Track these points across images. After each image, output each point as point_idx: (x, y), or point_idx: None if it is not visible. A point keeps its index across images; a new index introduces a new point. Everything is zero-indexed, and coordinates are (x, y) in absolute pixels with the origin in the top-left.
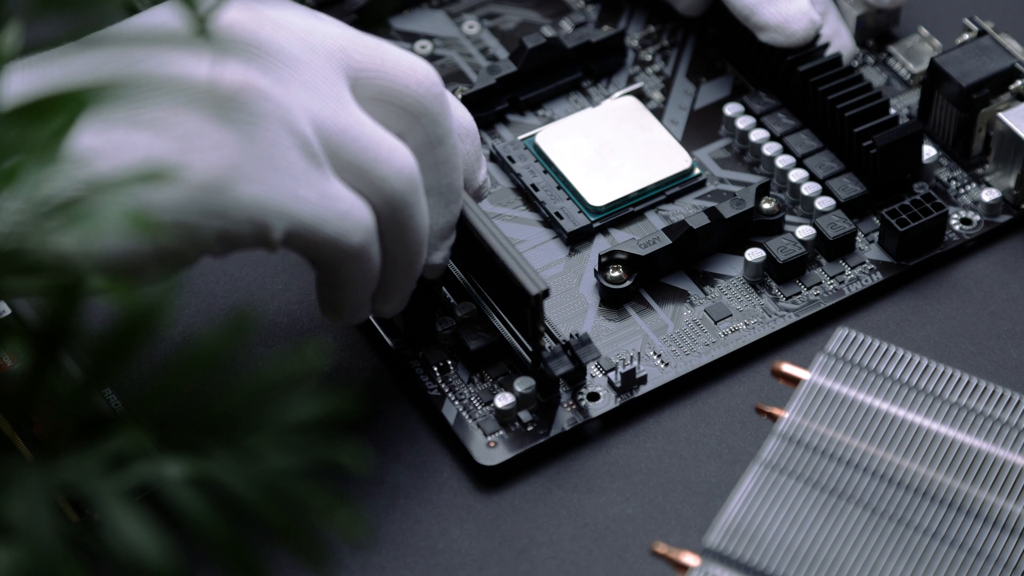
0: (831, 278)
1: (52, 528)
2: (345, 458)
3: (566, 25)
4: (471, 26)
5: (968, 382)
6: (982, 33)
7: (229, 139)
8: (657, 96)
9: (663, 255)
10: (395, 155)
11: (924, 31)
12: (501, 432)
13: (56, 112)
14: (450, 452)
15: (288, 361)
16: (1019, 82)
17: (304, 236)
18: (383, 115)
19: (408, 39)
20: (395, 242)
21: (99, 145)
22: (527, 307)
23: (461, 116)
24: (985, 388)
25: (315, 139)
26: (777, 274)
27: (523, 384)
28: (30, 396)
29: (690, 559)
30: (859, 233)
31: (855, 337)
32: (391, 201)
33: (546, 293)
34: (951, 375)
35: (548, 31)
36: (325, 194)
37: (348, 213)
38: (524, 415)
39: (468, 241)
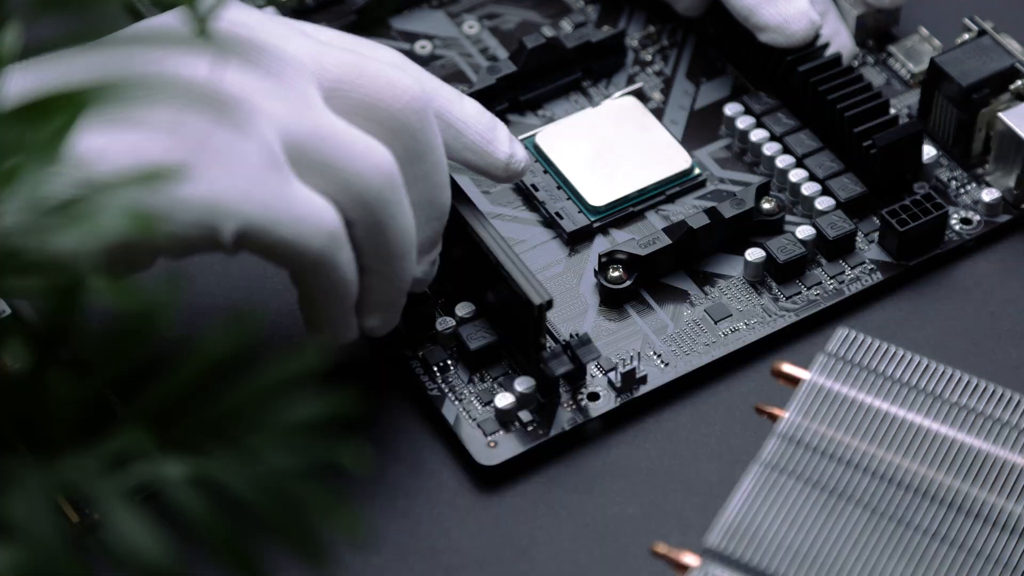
0: (831, 278)
1: (52, 528)
2: (345, 458)
3: (566, 25)
4: (471, 26)
5: (968, 382)
6: (982, 33)
7: (180, 143)
8: (657, 96)
9: (663, 255)
10: (370, 152)
11: (924, 31)
12: (501, 432)
13: (56, 112)
14: (450, 452)
15: (288, 361)
16: (1019, 82)
17: (257, 238)
18: (364, 128)
19: (408, 39)
20: (374, 247)
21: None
22: (530, 317)
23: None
24: (985, 388)
25: (279, 142)
26: (777, 274)
27: (523, 384)
28: (30, 396)
29: (690, 559)
30: (859, 233)
31: (855, 337)
32: (366, 199)
33: (549, 304)
34: (951, 375)
35: (548, 31)
36: (281, 196)
37: (306, 216)
38: (524, 415)
39: (471, 247)
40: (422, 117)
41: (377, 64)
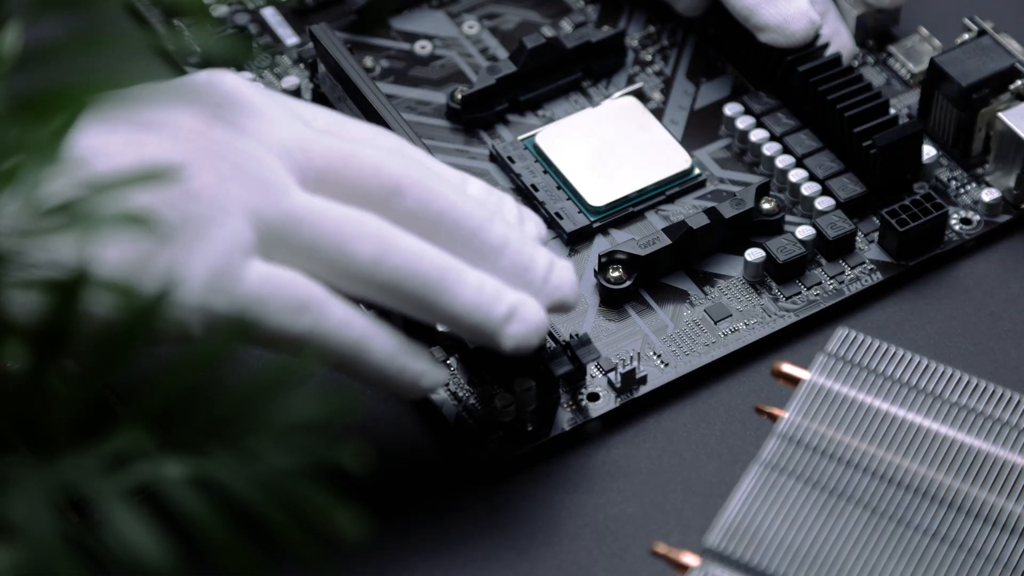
0: (831, 278)
1: (52, 528)
2: (345, 458)
3: (566, 25)
4: (471, 26)
5: (968, 382)
6: (982, 33)
7: (143, 244)
8: (657, 96)
9: (663, 255)
10: (347, 224)
11: (924, 31)
12: (501, 433)
13: (56, 112)
14: (450, 452)
15: (288, 361)
16: (1019, 82)
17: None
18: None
19: (408, 39)
20: (404, 302)
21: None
22: None
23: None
24: (985, 388)
25: (251, 230)
26: (777, 274)
27: (523, 385)
28: (30, 396)
29: (690, 559)
30: (859, 233)
31: (855, 337)
32: (358, 271)
33: None
34: (951, 375)
35: (548, 31)
36: (241, 281)
37: (269, 296)
38: (524, 415)
39: None
40: (420, 191)
41: (364, 153)
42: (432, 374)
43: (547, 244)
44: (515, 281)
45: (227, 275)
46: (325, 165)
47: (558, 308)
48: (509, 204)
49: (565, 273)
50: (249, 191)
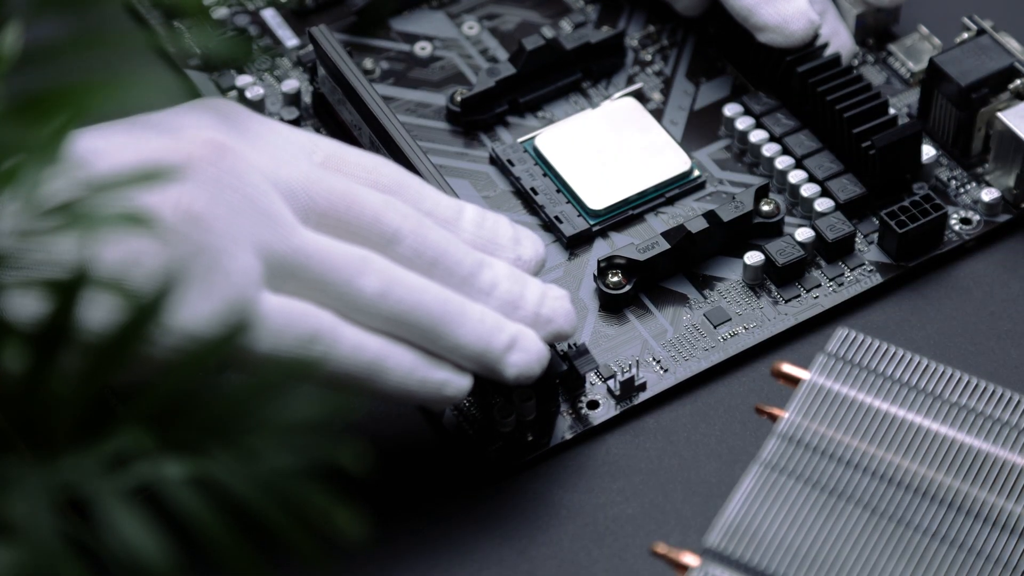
0: (830, 280)
1: (52, 528)
2: (345, 458)
3: (566, 25)
4: (471, 27)
5: (968, 382)
6: (981, 32)
7: (144, 245)
8: (657, 96)
9: (662, 259)
10: (350, 260)
11: (924, 29)
12: (500, 443)
13: (56, 112)
14: (450, 453)
15: (288, 361)
16: (1018, 81)
17: (241, 359)
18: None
19: (408, 40)
20: (407, 330)
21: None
22: None
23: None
24: (985, 388)
25: (260, 264)
26: (776, 277)
27: (522, 395)
28: (30, 396)
29: (690, 559)
30: (858, 234)
31: (855, 337)
32: (362, 304)
33: None
34: (951, 375)
35: (548, 32)
36: (255, 313)
37: (283, 327)
38: (524, 425)
39: None
40: (411, 245)
41: (364, 199)
42: (455, 382)
43: (546, 249)
44: (508, 318)
45: (241, 307)
46: (327, 208)
47: (555, 339)
48: (504, 227)
49: (558, 304)
50: (259, 226)
